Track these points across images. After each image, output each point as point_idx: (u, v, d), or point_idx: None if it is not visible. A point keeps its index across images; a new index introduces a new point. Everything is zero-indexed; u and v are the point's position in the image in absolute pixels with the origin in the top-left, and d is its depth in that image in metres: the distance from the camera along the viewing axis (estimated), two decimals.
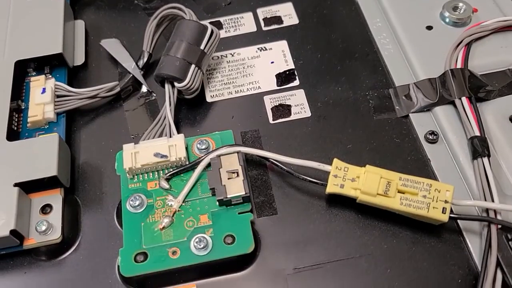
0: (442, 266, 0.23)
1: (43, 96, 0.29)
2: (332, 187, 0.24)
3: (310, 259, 0.24)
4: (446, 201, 0.23)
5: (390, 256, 0.24)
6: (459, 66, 0.28)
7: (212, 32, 0.29)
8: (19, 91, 0.30)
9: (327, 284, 0.23)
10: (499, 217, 0.23)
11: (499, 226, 0.23)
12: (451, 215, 0.23)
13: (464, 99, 0.27)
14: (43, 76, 0.30)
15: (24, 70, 0.31)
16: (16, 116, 0.29)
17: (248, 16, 0.34)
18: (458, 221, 0.24)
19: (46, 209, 0.26)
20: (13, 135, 0.27)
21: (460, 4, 0.31)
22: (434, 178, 0.26)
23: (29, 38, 0.30)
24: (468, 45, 0.29)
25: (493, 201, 0.23)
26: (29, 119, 0.28)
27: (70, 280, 0.24)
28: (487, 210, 0.23)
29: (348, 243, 0.24)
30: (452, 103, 0.27)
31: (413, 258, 0.24)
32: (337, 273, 0.24)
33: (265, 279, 0.24)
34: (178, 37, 0.29)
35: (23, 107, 0.29)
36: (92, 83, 0.31)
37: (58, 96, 0.29)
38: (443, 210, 0.23)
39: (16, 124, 0.29)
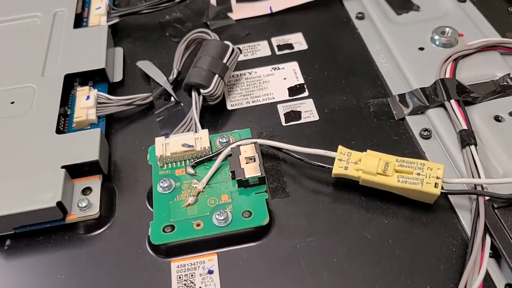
0: (438, 237, 0.26)
1: (87, 102, 0.33)
2: (337, 169, 0.28)
3: (318, 232, 0.27)
4: (437, 177, 0.26)
5: (390, 230, 0.27)
6: (447, 76, 0.33)
7: (233, 49, 0.34)
8: (66, 100, 0.35)
9: (335, 252, 0.26)
10: (486, 191, 0.26)
11: (487, 198, 0.26)
12: (443, 190, 0.26)
13: (452, 101, 0.31)
14: (87, 87, 0.35)
15: (71, 83, 0.36)
16: (63, 119, 0.33)
17: (264, 43, 0.39)
18: (450, 198, 0.27)
19: (86, 191, 0.29)
20: (60, 133, 0.32)
21: (447, 29, 0.36)
22: None
23: (77, 57, 0.36)
24: (456, 60, 0.34)
25: (480, 178, 0.26)
26: (74, 120, 0.33)
27: (105, 251, 0.27)
28: (475, 187, 0.26)
29: (353, 219, 0.27)
30: (442, 106, 0.31)
31: (411, 231, 0.27)
32: (343, 244, 0.26)
33: (279, 248, 0.26)
34: (204, 53, 0.34)
35: (68, 113, 0.34)
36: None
37: (99, 103, 0.34)
38: (435, 185, 0.26)
39: (62, 126, 0.33)
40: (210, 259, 0.26)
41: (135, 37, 0.41)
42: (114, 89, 0.37)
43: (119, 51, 0.39)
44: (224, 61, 0.34)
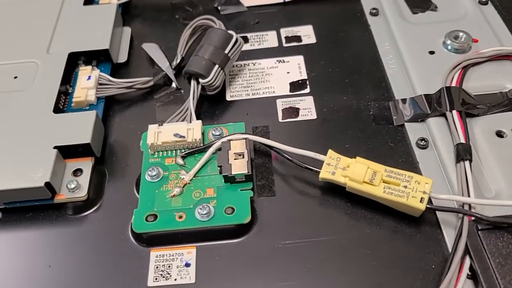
0: (419, 253, 0.26)
1: (88, 82, 0.33)
2: (324, 173, 0.27)
3: (298, 235, 0.27)
4: (424, 192, 0.25)
5: (371, 240, 0.26)
6: (454, 85, 0.31)
7: (236, 40, 0.34)
8: (69, 78, 0.35)
9: (311, 257, 0.26)
10: (473, 211, 0.25)
11: (472, 218, 0.25)
12: (428, 206, 0.25)
13: (454, 112, 0.30)
14: (90, 67, 0.35)
15: (75, 62, 0.36)
16: (64, 97, 0.34)
17: (272, 34, 0.38)
18: (437, 214, 0.27)
19: (77, 172, 0.30)
20: (58, 111, 0.32)
21: (461, 34, 0.34)
22: None
23: (83, 35, 0.36)
24: (465, 68, 0.32)
25: (469, 197, 0.26)
26: (73, 99, 0.33)
27: (89, 234, 0.28)
28: (462, 205, 0.26)
29: (335, 225, 0.27)
30: (444, 115, 0.30)
31: (393, 243, 0.26)
32: (320, 249, 0.26)
33: (257, 248, 0.26)
34: (207, 41, 0.33)
35: (70, 91, 0.34)
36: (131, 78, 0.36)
37: (100, 84, 0.34)
38: (421, 200, 0.25)
39: (62, 104, 0.33)
40: (188, 252, 0.27)
41: (145, 17, 0.41)
42: (117, 69, 0.37)
43: (127, 31, 0.39)
44: (226, 51, 0.33)
